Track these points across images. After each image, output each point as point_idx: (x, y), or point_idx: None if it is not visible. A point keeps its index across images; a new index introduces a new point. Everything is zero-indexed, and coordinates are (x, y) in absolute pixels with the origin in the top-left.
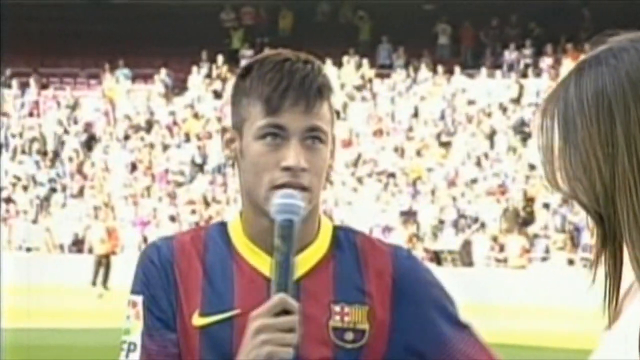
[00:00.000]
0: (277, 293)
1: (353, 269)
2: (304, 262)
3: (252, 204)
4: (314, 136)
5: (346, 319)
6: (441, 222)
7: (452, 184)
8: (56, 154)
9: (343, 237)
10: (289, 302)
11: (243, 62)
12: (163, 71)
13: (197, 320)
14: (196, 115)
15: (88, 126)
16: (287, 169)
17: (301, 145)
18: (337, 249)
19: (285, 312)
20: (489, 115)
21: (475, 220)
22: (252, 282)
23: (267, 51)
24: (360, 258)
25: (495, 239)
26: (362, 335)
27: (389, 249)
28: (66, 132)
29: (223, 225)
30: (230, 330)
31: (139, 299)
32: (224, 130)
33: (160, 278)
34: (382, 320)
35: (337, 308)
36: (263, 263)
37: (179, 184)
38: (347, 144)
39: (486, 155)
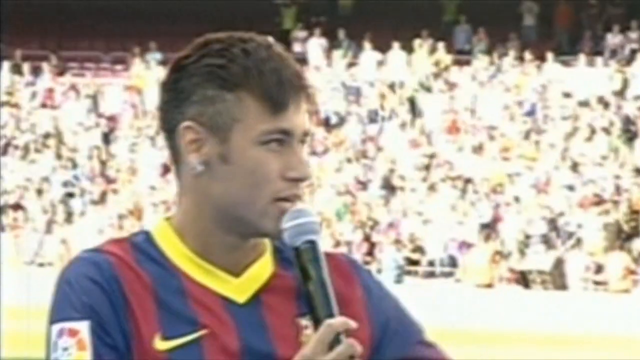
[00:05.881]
0: (325, 319)
1: None
2: (258, 276)
3: (224, 217)
4: (304, 141)
5: None
6: (529, 237)
7: (542, 191)
8: (74, 153)
9: (283, 247)
10: (338, 327)
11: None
12: None
13: (161, 344)
14: None
15: (112, 120)
16: (294, 180)
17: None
18: (284, 260)
19: (338, 339)
20: (588, 110)
21: (570, 235)
22: (207, 300)
23: (219, 34)
24: None
25: (593, 257)
26: None
27: (343, 257)
28: (86, 126)
29: (147, 234)
30: (200, 351)
31: (83, 325)
32: (187, 129)
33: (109, 299)
34: (356, 332)
35: (304, 322)
36: (213, 279)
37: None
38: (417, 143)
39: (584, 158)
